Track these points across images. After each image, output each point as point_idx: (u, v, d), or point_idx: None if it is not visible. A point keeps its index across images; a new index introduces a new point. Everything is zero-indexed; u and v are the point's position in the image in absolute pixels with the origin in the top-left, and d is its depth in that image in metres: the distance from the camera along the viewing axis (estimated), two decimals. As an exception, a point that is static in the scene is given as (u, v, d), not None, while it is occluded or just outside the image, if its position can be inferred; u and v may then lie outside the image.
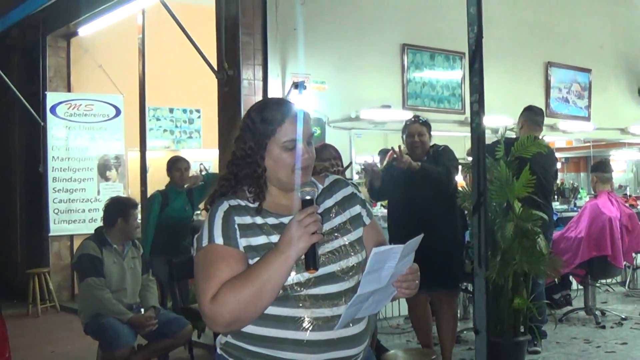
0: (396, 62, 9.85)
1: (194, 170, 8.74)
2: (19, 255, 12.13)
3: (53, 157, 10.74)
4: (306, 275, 2.31)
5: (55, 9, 9.89)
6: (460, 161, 6.77)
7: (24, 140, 11.97)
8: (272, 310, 2.32)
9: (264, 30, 8.23)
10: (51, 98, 10.84)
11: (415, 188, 6.14)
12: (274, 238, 2.33)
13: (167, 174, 8.23)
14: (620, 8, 12.42)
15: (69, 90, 11.53)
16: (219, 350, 2.50)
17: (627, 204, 8.88)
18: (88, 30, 10.93)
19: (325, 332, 2.34)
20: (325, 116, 8.93)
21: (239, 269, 2.30)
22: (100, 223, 6.40)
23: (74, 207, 10.80)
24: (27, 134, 11.71)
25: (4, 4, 9.85)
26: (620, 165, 14.32)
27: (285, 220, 2.35)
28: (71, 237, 11.09)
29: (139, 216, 7.73)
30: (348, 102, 9.21)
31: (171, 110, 12.80)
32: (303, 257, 2.25)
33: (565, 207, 10.45)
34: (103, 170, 11.07)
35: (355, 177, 9.37)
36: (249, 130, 2.45)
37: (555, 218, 8.25)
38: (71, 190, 10.80)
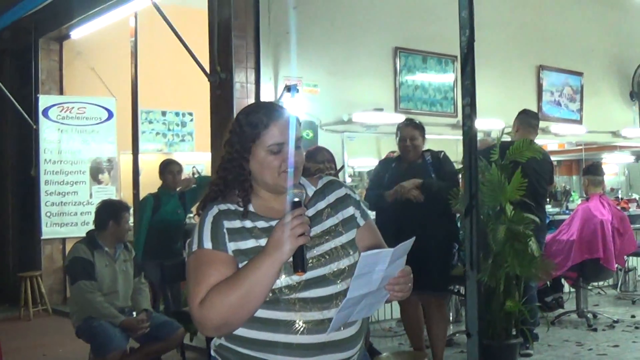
0: (388, 66, 9.87)
1: (186, 173, 8.76)
2: (11, 259, 12.09)
3: (45, 160, 10.71)
4: (295, 278, 2.31)
5: (47, 12, 9.87)
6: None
7: (16, 143, 11.94)
8: (263, 313, 2.32)
9: (256, 34, 8.24)
10: (43, 101, 10.82)
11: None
12: (264, 241, 2.33)
13: (160, 177, 8.22)
14: (612, 11, 12.46)
15: (61, 93, 11.51)
16: (213, 353, 2.51)
17: (618, 207, 8.90)
18: (80, 33, 10.93)
19: (316, 336, 2.34)
20: (317, 119, 8.94)
21: (227, 273, 2.30)
22: (92, 226, 6.39)
23: (66, 210, 10.78)
24: (19, 137, 11.69)
25: (-4, 6, 9.84)
26: (612, 168, 14.33)
27: (275, 223, 2.34)
28: (63, 241, 11.07)
29: (132, 219, 7.72)
30: (340, 105, 9.21)
31: (164, 113, 12.78)
32: (292, 259, 2.25)
33: (557, 210, 10.47)
34: (95, 173, 11.05)
35: (348, 180, 9.37)
36: (235, 134, 2.46)
37: (547, 221, 8.26)
38: (63, 194, 10.77)
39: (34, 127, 10.82)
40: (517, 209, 6.20)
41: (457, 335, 7.62)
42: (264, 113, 2.44)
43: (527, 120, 7.47)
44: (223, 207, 2.44)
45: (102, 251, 6.10)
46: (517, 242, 6.05)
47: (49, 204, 10.68)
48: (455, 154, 7.70)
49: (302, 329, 2.33)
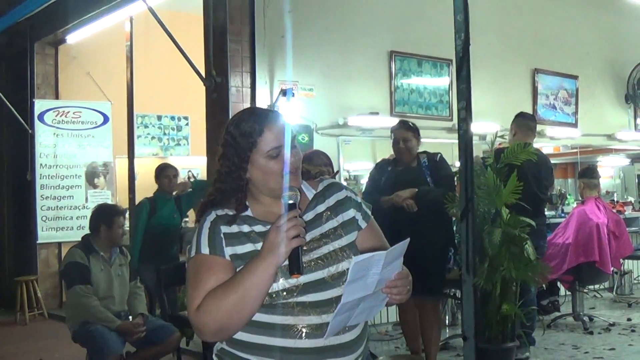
0: (384, 69, 9.88)
1: (182, 177, 8.74)
2: (7, 263, 12.08)
3: (41, 164, 10.71)
4: (292, 281, 2.30)
5: (43, 17, 9.88)
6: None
7: (12, 147, 11.93)
8: (263, 317, 2.32)
9: (252, 38, 8.25)
10: (39, 105, 10.83)
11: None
12: (261, 245, 2.31)
13: (155, 181, 8.22)
14: (607, 15, 12.48)
15: (56, 97, 11.51)
16: (214, 357, 2.51)
17: (614, 210, 8.92)
18: (76, 37, 10.94)
19: (314, 340, 2.33)
20: (313, 123, 8.94)
21: (225, 278, 2.30)
22: (88, 231, 6.38)
23: (62, 215, 10.78)
24: (15, 142, 11.68)
25: (-9, 11, 9.84)
26: (608, 171, 14.37)
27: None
28: (59, 245, 11.06)
29: (127, 223, 7.72)
30: (336, 109, 9.22)
31: (159, 118, 12.80)
32: (288, 263, 2.24)
33: (552, 213, 10.48)
34: (91, 177, 11.06)
35: (343, 184, 9.37)
36: (230, 147, 2.43)
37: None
38: (59, 198, 10.78)
39: (30, 131, 10.82)
40: (513, 213, 6.20)
41: (453, 339, 7.62)
42: (255, 120, 2.42)
43: (525, 123, 7.44)
44: (220, 212, 2.43)
45: (97, 255, 6.09)
46: (513, 246, 6.05)
47: (45, 208, 10.69)
48: (451, 158, 7.71)
49: (301, 333, 2.32)
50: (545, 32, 11.66)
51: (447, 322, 8.36)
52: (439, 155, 6.47)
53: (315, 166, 5.47)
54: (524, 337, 6.44)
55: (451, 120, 10.23)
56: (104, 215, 6.20)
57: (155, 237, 7.93)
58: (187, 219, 8.83)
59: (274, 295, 2.31)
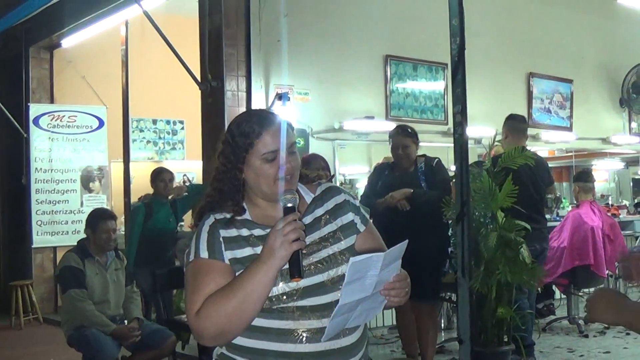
0: (379, 73, 9.89)
1: (177, 181, 8.74)
2: (2, 268, 12.03)
3: (36, 168, 10.69)
4: (292, 285, 2.30)
5: (38, 21, 9.88)
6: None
7: (7, 151, 11.90)
8: (263, 322, 2.31)
9: (247, 42, 8.25)
10: (34, 109, 10.80)
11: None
12: (260, 249, 2.31)
13: (151, 185, 8.20)
14: (602, 19, 12.52)
15: (52, 101, 11.49)
16: None
17: (609, 214, 8.93)
18: (71, 41, 10.93)
19: (314, 344, 2.32)
20: (308, 127, 8.95)
21: (224, 282, 2.29)
22: (83, 235, 6.38)
23: (57, 219, 10.75)
24: (10, 146, 11.66)
25: (-13, 16, 9.83)
26: (602, 175, 14.40)
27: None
28: (54, 249, 11.03)
29: (121, 227, 7.71)
30: (331, 113, 9.23)
31: (154, 122, 12.79)
32: (288, 266, 2.24)
33: (548, 216, 10.47)
34: (86, 181, 11.03)
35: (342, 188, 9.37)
36: (229, 145, 2.44)
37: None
38: (54, 202, 10.75)
39: (25, 135, 10.80)
40: (509, 216, 6.20)
41: (448, 342, 7.63)
42: (256, 122, 2.42)
43: (516, 126, 7.43)
44: (219, 216, 2.43)
45: (93, 260, 6.09)
46: (508, 249, 6.05)
47: (40, 212, 10.66)
48: (446, 162, 7.72)
49: (302, 337, 2.31)
50: (540, 37, 11.68)
51: (443, 325, 8.36)
52: (437, 160, 6.48)
53: (312, 170, 5.47)
54: (521, 346, 6.39)
55: (446, 124, 10.25)
56: (89, 220, 6.24)
57: (150, 241, 7.91)
58: (182, 223, 8.81)
59: (273, 300, 2.30)
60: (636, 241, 10.37)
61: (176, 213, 8.23)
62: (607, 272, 8.44)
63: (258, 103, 8.31)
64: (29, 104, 10.93)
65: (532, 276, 6.22)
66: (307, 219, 2.46)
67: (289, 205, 2.30)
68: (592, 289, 9.58)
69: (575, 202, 9.07)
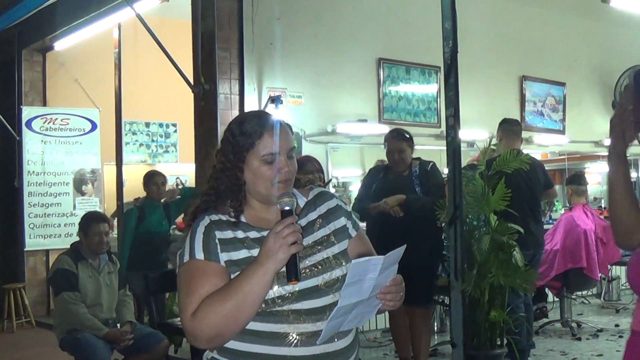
0: (372, 76, 9.90)
1: (170, 184, 8.72)
2: (-6, 271, 12.02)
3: (28, 171, 10.67)
4: (288, 288, 2.30)
5: (30, 23, 9.86)
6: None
7: (-1, 154, 11.89)
8: (256, 325, 2.31)
9: (240, 45, 8.24)
10: (27, 112, 10.78)
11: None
12: (256, 252, 2.30)
13: (144, 188, 8.19)
14: (594, 23, 12.53)
15: (44, 104, 11.47)
16: None
17: (601, 216, 8.94)
18: (64, 44, 10.90)
19: (308, 348, 2.32)
20: (301, 130, 8.94)
21: (219, 284, 2.28)
22: (76, 238, 6.38)
23: (50, 222, 10.73)
24: (2, 149, 11.62)
25: (-21, 18, 9.80)
26: (595, 177, 14.40)
27: (267, 233, 2.31)
28: (47, 252, 11.00)
29: (114, 230, 7.69)
30: (324, 116, 9.23)
31: (147, 125, 12.78)
32: (284, 270, 2.23)
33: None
34: (79, 184, 11.02)
35: (332, 191, 9.37)
36: (229, 143, 2.44)
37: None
38: (47, 205, 10.73)
39: (17, 138, 10.77)
40: (502, 220, 6.20)
41: (441, 345, 7.62)
42: (258, 122, 2.42)
43: (510, 129, 7.44)
44: (214, 217, 2.42)
45: (86, 263, 6.08)
46: (501, 253, 6.05)
47: (32, 215, 10.64)
48: (439, 165, 7.73)
49: (295, 341, 2.31)
50: (533, 40, 11.69)
51: (435, 328, 8.36)
52: (431, 164, 6.47)
53: (307, 173, 5.47)
54: (513, 345, 6.40)
55: (439, 127, 10.24)
56: (82, 223, 6.25)
57: (143, 244, 7.90)
58: (174, 226, 8.81)
59: (269, 303, 2.30)
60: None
61: (169, 216, 8.22)
62: (599, 274, 8.45)
63: (251, 106, 8.29)
64: (21, 106, 10.91)
65: (525, 279, 6.23)
66: (301, 223, 2.45)
67: (287, 208, 2.29)
68: (585, 292, 9.63)
69: (568, 205, 9.08)
